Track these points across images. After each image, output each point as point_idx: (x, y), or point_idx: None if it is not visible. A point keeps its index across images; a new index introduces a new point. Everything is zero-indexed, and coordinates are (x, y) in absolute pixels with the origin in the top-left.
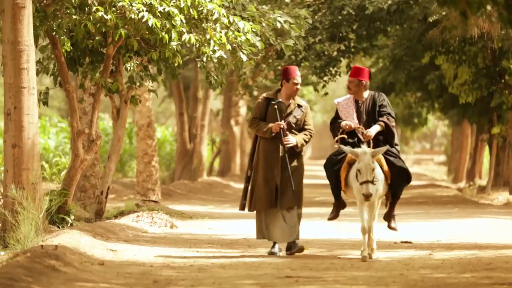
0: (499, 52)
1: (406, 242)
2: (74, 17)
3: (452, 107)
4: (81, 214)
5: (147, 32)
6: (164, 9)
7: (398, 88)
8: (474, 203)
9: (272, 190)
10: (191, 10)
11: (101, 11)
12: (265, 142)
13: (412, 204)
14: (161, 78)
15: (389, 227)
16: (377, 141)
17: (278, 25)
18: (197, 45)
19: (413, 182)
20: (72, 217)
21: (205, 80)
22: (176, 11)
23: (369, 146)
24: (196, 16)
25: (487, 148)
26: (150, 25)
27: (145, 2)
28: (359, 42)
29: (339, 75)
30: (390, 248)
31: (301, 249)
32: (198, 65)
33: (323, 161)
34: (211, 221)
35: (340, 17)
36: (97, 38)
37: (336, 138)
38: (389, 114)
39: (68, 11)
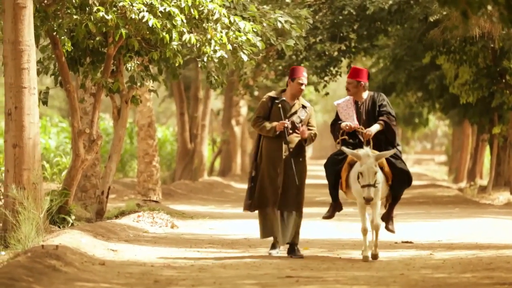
0: (500, 52)
1: (406, 242)
2: (75, 17)
3: (453, 107)
4: (82, 214)
5: (147, 32)
6: (165, 9)
7: (399, 88)
8: (475, 203)
9: (276, 189)
10: (191, 10)
11: (102, 11)
12: (269, 141)
13: (413, 204)
14: (162, 78)
15: (387, 228)
16: (378, 141)
17: (279, 25)
18: (197, 45)
19: (414, 182)
20: (73, 217)
21: (206, 80)
22: (176, 11)
23: (368, 145)
24: (196, 16)
25: (488, 148)
26: (150, 25)
27: (145, 2)
28: (360, 42)
29: (340, 75)
30: (391, 248)
31: (301, 257)
32: (199, 65)
33: (324, 161)
34: (212, 221)
35: (341, 17)
36: (98, 38)
37: (338, 140)
38: (389, 113)
39: (68, 11)
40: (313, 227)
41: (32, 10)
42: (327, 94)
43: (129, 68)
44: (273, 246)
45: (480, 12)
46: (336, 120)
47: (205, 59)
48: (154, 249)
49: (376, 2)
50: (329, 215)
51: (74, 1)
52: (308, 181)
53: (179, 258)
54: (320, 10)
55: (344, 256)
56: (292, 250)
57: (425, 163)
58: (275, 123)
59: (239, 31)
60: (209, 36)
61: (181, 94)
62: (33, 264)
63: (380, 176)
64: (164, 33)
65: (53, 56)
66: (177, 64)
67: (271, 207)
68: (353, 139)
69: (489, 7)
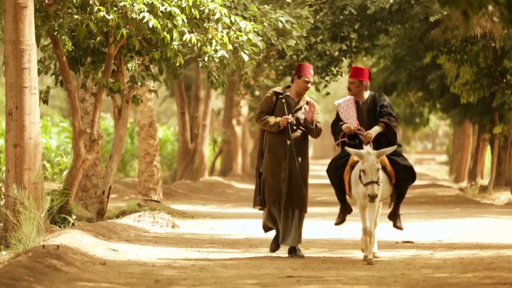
0: (500, 52)
1: (407, 241)
2: (75, 17)
3: (454, 107)
4: (82, 213)
5: (148, 32)
6: (165, 9)
7: (399, 88)
8: (476, 203)
9: (279, 184)
10: (192, 9)
11: (103, 11)
12: (272, 136)
13: (413, 203)
14: (163, 78)
15: (395, 226)
16: (378, 142)
17: (280, 25)
18: (198, 45)
19: (415, 182)
20: (74, 217)
21: (207, 79)
22: (177, 11)
23: (368, 144)
24: (197, 16)
25: (488, 148)
26: (151, 26)
27: (146, 2)
28: (361, 42)
29: (341, 75)
30: (392, 247)
31: (302, 257)
32: (200, 65)
33: (325, 161)
34: (213, 221)
35: (341, 17)
36: (98, 38)
37: (337, 142)
38: (390, 114)
39: (69, 11)
40: (314, 227)
41: (33, 10)
42: (328, 94)
43: (130, 68)
44: (273, 244)
45: (481, 12)
46: (337, 121)
47: (206, 59)
48: (155, 249)
49: (377, 1)
50: (341, 220)
51: (75, 1)
52: (309, 180)
53: (180, 258)
54: (321, 10)
55: (345, 256)
56: (293, 250)
57: (426, 163)
58: (279, 118)
59: (240, 31)
60: (210, 36)
61: (182, 94)
62: (34, 264)
63: (381, 176)
64: (165, 33)
65: (54, 55)
66: (178, 64)
67: (275, 204)
68: (353, 140)
69: (490, 7)
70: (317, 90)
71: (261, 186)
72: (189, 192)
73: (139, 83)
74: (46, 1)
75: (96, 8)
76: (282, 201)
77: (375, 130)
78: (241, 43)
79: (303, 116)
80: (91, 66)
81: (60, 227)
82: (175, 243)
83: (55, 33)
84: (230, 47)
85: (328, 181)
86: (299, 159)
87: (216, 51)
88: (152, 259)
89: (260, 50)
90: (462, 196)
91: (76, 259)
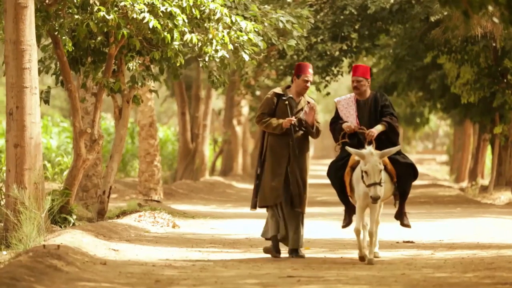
0: (501, 51)
1: (408, 241)
2: (76, 16)
3: (454, 107)
4: (83, 213)
5: (149, 32)
6: (166, 9)
7: (400, 88)
8: (476, 203)
9: (279, 186)
10: (193, 9)
11: (103, 11)
12: (274, 138)
13: (414, 203)
14: (163, 78)
15: (402, 224)
16: (379, 141)
17: (280, 24)
18: (199, 45)
19: (415, 182)
20: (74, 217)
21: (208, 79)
22: (178, 11)
23: (370, 144)
24: (198, 16)
25: (489, 147)
26: (151, 26)
27: (147, 2)
28: (361, 42)
29: (341, 75)
30: (392, 247)
31: (302, 257)
32: (200, 65)
33: (326, 161)
34: (213, 220)
35: (342, 17)
36: (99, 37)
37: (338, 142)
38: (392, 114)
39: (70, 10)
40: (315, 226)
41: (33, 10)
42: (328, 94)
43: (131, 68)
44: (274, 248)
45: (481, 12)
46: (336, 118)
47: (207, 59)
48: (155, 249)
49: (377, 1)
50: (347, 223)
51: (75, 0)
52: (309, 180)
53: (180, 257)
54: (322, 10)
55: (346, 256)
56: (294, 250)
57: (427, 162)
58: (281, 120)
59: (241, 31)
60: (210, 36)
61: (182, 94)
62: (34, 264)
63: (384, 177)
64: (165, 33)
65: (54, 55)
66: (178, 64)
67: (276, 205)
68: (352, 139)
69: (490, 7)
70: (318, 90)
71: (258, 188)
72: (189, 192)
73: (140, 83)
74: (47, 1)
75: (96, 8)
76: (283, 203)
77: (377, 129)
78: (242, 43)
79: (304, 117)
80: (92, 66)
81: (60, 227)
82: (175, 243)
83: (56, 33)
84: (230, 47)
85: (328, 181)
86: (301, 160)
87: (216, 51)
88: (152, 259)
89: (261, 50)
90: (462, 196)
91: (77, 259)
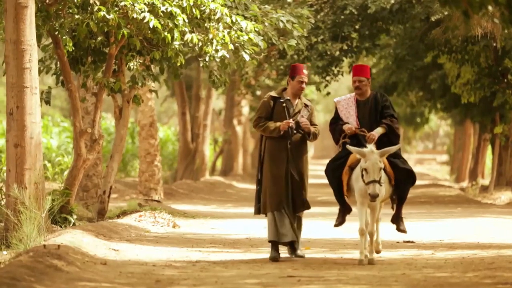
0: (501, 51)
1: (408, 241)
2: (76, 16)
3: (455, 107)
4: (83, 213)
5: (149, 32)
6: (166, 9)
7: (400, 88)
8: (477, 203)
9: (281, 190)
10: (193, 9)
11: (103, 10)
12: (272, 141)
13: (414, 203)
14: (163, 79)
15: (398, 229)
16: (380, 143)
17: (281, 24)
18: (199, 45)
19: (416, 182)
20: (75, 217)
21: (208, 79)
22: (178, 10)
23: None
24: (198, 16)
25: (489, 147)
26: (151, 26)
27: (147, 2)
28: (362, 42)
29: (342, 74)
30: (393, 247)
31: (302, 257)
32: (201, 65)
33: (326, 161)
34: (214, 220)
35: (342, 17)
36: (99, 37)
37: (339, 143)
38: (392, 115)
39: (70, 10)
40: (315, 226)
41: (33, 10)
42: (328, 94)
43: (131, 68)
44: (276, 250)
45: (481, 12)
46: (336, 119)
47: (207, 59)
48: (155, 249)
49: (377, 1)
50: (340, 222)
51: (75, 0)
52: (310, 180)
53: (180, 257)
54: (322, 10)
55: (346, 256)
56: (294, 250)
57: (427, 162)
58: (279, 123)
59: (241, 31)
60: (211, 36)
61: (182, 94)
62: (34, 264)
63: (383, 176)
64: (166, 33)
65: (54, 55)
66: (178, 64)
67: (278, 209)
68: (352, 140)
69: (490, 7)
70: (318, 90)
71: (260, 193)
72: (190, 192)
73: (140, 83)
74: (47, 1)
75: (96, 8)
76: (285, 206)
77: (378, 131)
78: (242, 43)
79: (302, 120)
80: (92, 66)
81: (61, 227)
82: (176, 243)
83: (56, 33)
84: (231, 46)
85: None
86: (300, 162)
87: (217, 51)
88: (153, 259)
89: (261, 50)
90: (463, 196)
91: (77, 259)
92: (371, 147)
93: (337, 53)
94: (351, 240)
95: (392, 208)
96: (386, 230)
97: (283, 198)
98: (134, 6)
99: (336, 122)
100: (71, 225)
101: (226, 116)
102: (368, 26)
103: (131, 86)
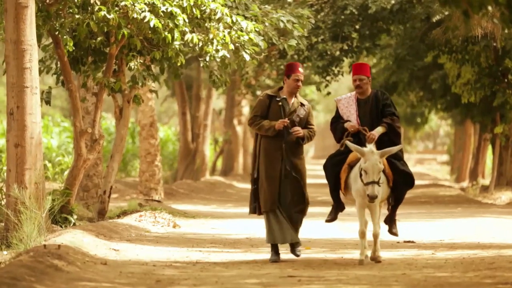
0: (502, 51)
1: (409, 241)
2: (76, 16)
3: (455, 107)
4: (84, 213)
5: (149, 32)
6: (166, 8)
7: (401, 88)
8: (477, 203)
9: (275, 190)
10: (194, 9)
11: (104, 10)
12: (267, 140)
13: (415, 203)
14: (164, 79)
15: (390, 232)
16: (381, 142)
17: (281, 24)
18: (200, 45)
19: (416, 182)
20: (75, 217)
21: (209, 79)
22: (178, 10)
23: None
24: (199, 16)
25: (490, 147)
26: (152, 26)
27: (147, 2)
28: (362, 42)
29: (342, 74)
30: (393, 247)
31: (297, 256)
32: (201, 65)
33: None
34: (214, 220)
35: (342, 17)
36: (99, 37)
37: (342, 142)
38: (393, 114)
39: (70, 10)
40: (315, 226)
41: (34, 10)
42: (328, 93)
43: (131, 68)
44: (276, 251)
45: (481, 12)
46: (337, 118)
47: (207, 59)
48: (156, 249)
49: (378, 1)
50: (332, 218)
51: (76, 0)
52: (310, 180)
53: (181, 257)
54: (322, 10)
55: (346, 256)
56: (293, 250)
57: (427, 162)
58: (274, 122)
59: (241, 31)
60: (211, 36)
61: (183, 94)
62: (35, 264)
63: (382, 177)
64: (166, 33)
65: (55, 55)
66: (179, 64)
67: (274, 210)
68: (354, 138)
69: (490, 7)
70: (318, 89)
71: (255, 193)
72: (190, 192)
73: (140, 83)
74: (47, 1)
75: (97, 8)
76: (281, 206)
77: (378, 131)
78: (243, 43)
79: (298, 118)
80: (92, 66)
81: (61, 227)
82: (176, 243)
83: (56, 32)
84: (231, 46)
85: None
86: (296, 161)
87: (217, 50)
88: (153, 259)
89: (261, 50)
90: (463, 196)
91: (77, 259)
92: (371, 147)
93: (338, 53)
94: (351, 240)
95: (388, 209)
96: (386, 230)
97: (277, 198)
98: (135, 6)
99: (337, 121)
100: (72, 225)
101: (226, 116)
102: (369, 26)
103: (131, 86)
